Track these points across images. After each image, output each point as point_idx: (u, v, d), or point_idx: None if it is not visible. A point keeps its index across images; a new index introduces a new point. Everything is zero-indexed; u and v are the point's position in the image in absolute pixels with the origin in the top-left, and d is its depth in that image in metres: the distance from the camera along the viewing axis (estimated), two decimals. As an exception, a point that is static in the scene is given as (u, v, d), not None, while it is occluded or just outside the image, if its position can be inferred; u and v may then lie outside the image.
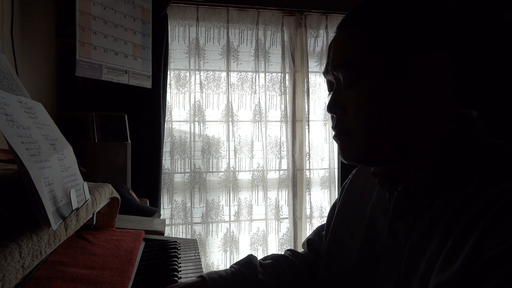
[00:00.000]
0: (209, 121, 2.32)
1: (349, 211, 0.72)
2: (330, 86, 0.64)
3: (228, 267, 0.76)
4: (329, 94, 0.64)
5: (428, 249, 0.52)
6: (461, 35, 0.56)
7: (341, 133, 0.60)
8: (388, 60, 0.55)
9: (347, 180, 0.79)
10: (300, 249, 0.90)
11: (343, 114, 0.59)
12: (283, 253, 0.85)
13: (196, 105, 2.29)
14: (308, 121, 2.43)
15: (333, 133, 0.62)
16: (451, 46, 0.55)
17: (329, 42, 0.66)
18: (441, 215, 0.52)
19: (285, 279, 0.75)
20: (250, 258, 0.75)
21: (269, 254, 0.83)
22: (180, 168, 2.30)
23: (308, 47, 2.42)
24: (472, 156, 0.54)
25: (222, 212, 2.35)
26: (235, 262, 0.77)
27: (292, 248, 2.35)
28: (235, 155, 2.36)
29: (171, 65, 2.23)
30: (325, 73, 0.63)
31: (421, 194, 0.55)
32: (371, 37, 0.56)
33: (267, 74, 2.40)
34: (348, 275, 0.65)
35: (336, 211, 0.76)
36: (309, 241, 0.85)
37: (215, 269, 2.27)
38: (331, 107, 0.60)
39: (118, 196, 0.95)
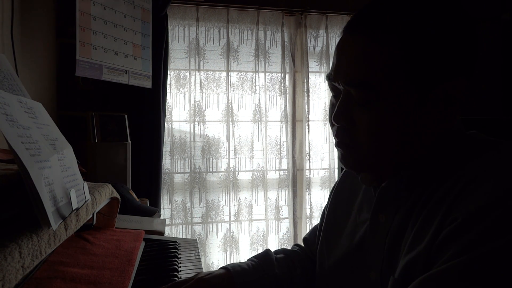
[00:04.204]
0: (209, 121, 2.32)
1: (338, 209, 0.76)
2: (334, 90, 0.61)
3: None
4: (333, 97, 0.62)
5: (405, 237, 0.55)
6: (477, 58, 0.56)
7: (346, 144, 0.59)
8: (410, 86, 0.53)
9: (336, 181, 0.83)
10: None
11: (350, 127, 0.58)
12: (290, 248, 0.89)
13: (196, 105, 2.29)
14: (308, 121, 2.43)
15: (335, 140, 0.62)
16: (471, 71, 0.55)
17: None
18: (416, 203, 0.56)
19: (296, 272, 0.79)
20: (268, 253, 0.79)
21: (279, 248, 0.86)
22: (180, 168, 2.30)
23: (308, 47, 2.42)
24: (447, 149, 0.57)
25: (222, 212, 2.35)
26: (253, 255, 0.80)
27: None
28: (235, 155, 2.36)
29: (171, 65, 2.23)
30: (332, 79, 0.59)
31: (403, 188, 0.58)
32: (391, 57, 0.52)
33: (267, 74, 2.40)
34: (337, 268, 0.68)
35: (327, 211, 0.79)
36: (305, 240, 0.89)
37: (215, 269, 2.27)
38: (338, 119, 0.58)
39: (118, 196, 0.95)
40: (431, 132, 0.57)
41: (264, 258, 0.77)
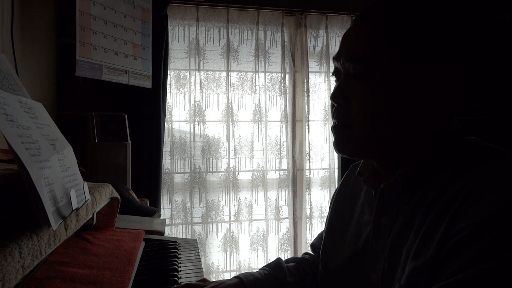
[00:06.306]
0: (209, 121, 2.32)
1: (341, 211, 0.76)
2: (337, 73, 0.64)
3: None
4: (335, 81, 0.65)
5: (407, 240, 0.55)
6: (472, 53, 0.58)
7: (340, 124, 0.61)
8: (404, 66, 0.56)
9: (338, 185, 0.84)
10: (301, 249, 0.93)
11: (346, 105, 0.60)
12: (292, 255, 0.89)
13: (196, 105, 2.29)
14: (308, 121, 2.43)
15: (332, 123, 0.64)
16: (464, 63, 0.57)
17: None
18: (418, 207, 0.56)
19: (307, 279, 0.80)
20: (279, 262, 0.81)
21: (269, 256, 0.87)
22: (180, 168, 2.30)
23: (308, 47, 2.42)
24: (447, 152, 0.57)
25: (222, 212, 2.35)
26: (265, 264, 0.82)
27: (293, 248, 2.37)
28: (235, 155, 2.36)
29: (171, 65, 2.23)
30: (335, 59, 0.64)
31: (402, 189, 0.59)
32: (391, 38, 0.56)
33: (267, 74, 2.40)
34: (340, 270, 0.69)
35: (329, 214, 0.80)
36: (312, 246, 0.91)
37: (215, 269, 2.27)
38: (335, 96, 0.61)
39: (118, 196, 0.95)
40: (424, 126, 0.58)
41: (276, 267, 0.78)
